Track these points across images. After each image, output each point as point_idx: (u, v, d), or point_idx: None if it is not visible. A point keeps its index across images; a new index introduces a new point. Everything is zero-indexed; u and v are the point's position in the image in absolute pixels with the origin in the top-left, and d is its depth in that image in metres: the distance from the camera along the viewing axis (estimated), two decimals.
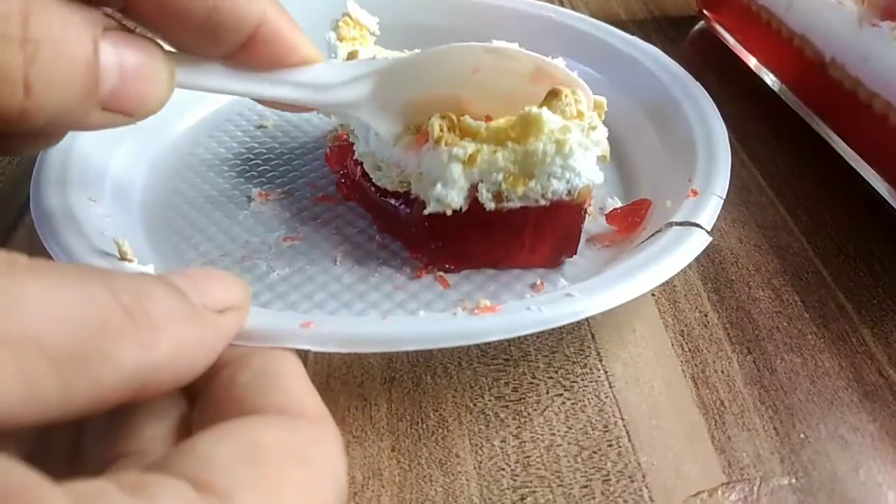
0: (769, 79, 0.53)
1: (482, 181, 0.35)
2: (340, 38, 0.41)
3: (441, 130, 0.35)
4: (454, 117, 0.35)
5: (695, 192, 0.37)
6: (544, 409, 0.33)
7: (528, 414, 0.33)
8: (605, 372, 0.35)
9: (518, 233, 0.37)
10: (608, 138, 0.38)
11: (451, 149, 0.34)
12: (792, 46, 0.49)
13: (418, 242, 0.38)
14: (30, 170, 0.38)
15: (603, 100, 0.39)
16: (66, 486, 0.16)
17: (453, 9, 0.54)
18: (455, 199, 0.35)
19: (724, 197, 0.37)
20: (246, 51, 0.28)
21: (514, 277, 0.38)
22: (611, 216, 0.40)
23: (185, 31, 0.27)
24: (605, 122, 0.37)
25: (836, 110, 0.47)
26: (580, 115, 0.36)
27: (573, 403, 0.34)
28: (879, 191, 0.43)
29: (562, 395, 0.34)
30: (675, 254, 0.34)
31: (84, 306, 0.19)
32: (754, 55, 0.55)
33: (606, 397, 0.34)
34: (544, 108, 0.35)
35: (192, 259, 0.39)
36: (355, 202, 0.42)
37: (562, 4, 0.64)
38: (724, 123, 0.42)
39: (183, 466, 0.19)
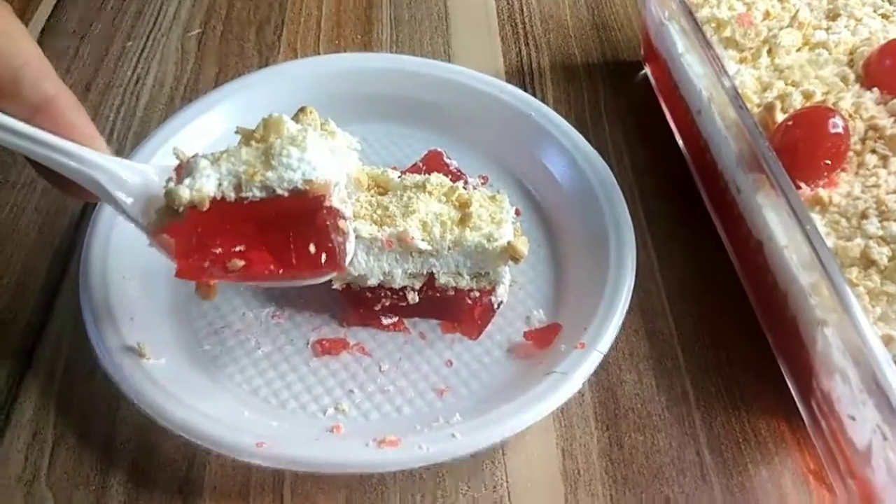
0: (683, 148, 0.62)
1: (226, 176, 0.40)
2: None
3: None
4: None
5: (582, 345, 0.47)
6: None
7: (442, 475, 0.47)
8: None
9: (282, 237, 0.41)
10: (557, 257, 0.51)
11: (197, 158, 0.40)
12: (699, 143, 0.58)
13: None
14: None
15: (523, 249, 0.47)
16: None
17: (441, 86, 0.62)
18: (207, 187, 0.39)
19: (605, 353, 0.47)
20: (39, 116, 0.37)
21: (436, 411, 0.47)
22: (528, 334, 0.51)
23: None
24: (559, 239, 0.50)
25: (723, 211, 0.57)
26: (331, 134, 0.44)
27: (473, 466, 0.47)
28: (745, 288, 0.54)
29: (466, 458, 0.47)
30: (547, 400, 0.44)
31: None
32: (674, 123, 0.64)
33: (499, 462, 0.48)
34: (284, 115, 0.42)
35: (200, 327, 0.51)
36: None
37: (526, 45, 0.71)
38: (633, 281, 0.50)
39: None
